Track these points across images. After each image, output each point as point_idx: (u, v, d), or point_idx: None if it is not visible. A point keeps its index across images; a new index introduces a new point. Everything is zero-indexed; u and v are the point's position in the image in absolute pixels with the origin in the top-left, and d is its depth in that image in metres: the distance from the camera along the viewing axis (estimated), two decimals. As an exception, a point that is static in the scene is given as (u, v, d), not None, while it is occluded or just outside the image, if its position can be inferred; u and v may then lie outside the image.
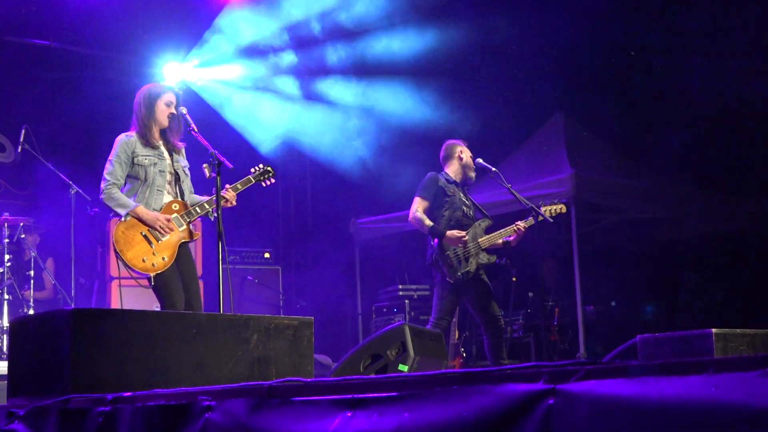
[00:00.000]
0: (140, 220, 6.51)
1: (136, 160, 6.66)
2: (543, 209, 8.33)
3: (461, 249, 8.04)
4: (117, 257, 6.48)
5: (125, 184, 6.69)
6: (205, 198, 6.84)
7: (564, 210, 8.48)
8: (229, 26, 12.40)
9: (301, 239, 14.30)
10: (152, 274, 6.46)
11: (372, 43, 12.50)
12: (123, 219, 6.51)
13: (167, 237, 6.57)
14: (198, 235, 6.87)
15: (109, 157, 6.69)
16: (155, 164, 6.72)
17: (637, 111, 12.99)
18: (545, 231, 11.00)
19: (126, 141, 6.71)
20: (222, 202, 6.76)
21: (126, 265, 6.46)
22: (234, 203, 6.88)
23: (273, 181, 7.22)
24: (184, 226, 6.69)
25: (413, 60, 12.22)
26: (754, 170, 12.32)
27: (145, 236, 6.50)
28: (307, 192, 14.63)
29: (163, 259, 6.51)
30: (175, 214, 6.68)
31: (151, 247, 6.50)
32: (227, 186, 6.90)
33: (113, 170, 6.62)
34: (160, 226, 6.52)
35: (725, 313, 12.10)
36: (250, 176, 7.04)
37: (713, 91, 12.04)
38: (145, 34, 12.29)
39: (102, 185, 6.60)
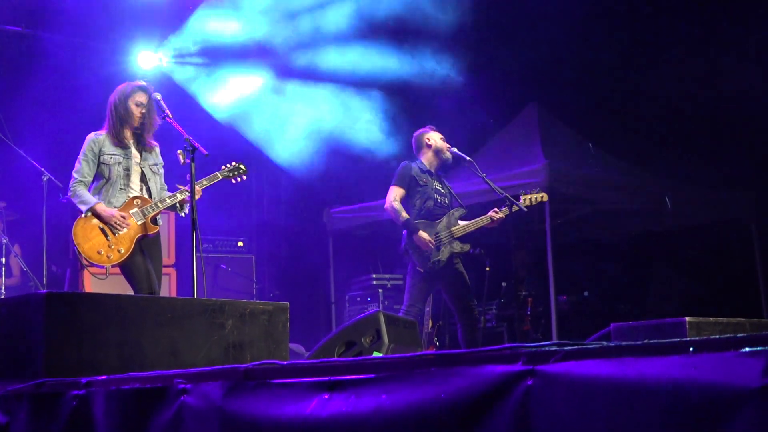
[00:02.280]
0: (98, 216, 6.82)
1: (102, 158, 6.98)
2: (523, 198, 8.32)
3: (433, 240, 8.03)
4: (75, 250, 6.82)
5: (93, 180, 7.02)
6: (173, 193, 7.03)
7: (545, 198, 8.47)
8: (203, 17, 12.34)
9: (275, 228, 14.26)
10: (108, 266, 6.87)
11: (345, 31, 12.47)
12: (83, 215, 6.81)
13: (124, 230, 6.83)
14: (155, 229, 7.05)
15: (78, 156, 7.01)
16: (119, 163, 7.00)
17: (611, 103, 13.04)
18: (519, 221, 11.02)
19: (94, 140, 7.02)
20: (185, 196, 7.01)
21: (83, 258, 6.80)
22: (198, 196, 6.97)
23: (244, 178, 7.36)
24: (143, 220, 6.91)
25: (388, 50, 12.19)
26: (726, 163, 12.39)
27: (102, 230, 6.81)
28: (280, 181, 14.58)
29: (119, 251, 6.80)
30: (135, 209, 6.93)
31: (108, 240, 6.78)
32: (222, 167, 7.26)
33: (80, 168, 6.96)
34: (115, 223, 6.79)
35: (697, 304, 12.16)
36: (218, 172, 7.21)
37: (686, 84, 12.09)
38: (119, 21, 12.20)
39: (70, 183, 6.96)
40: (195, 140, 6.56)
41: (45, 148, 10.62)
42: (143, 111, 7.02)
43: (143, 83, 7.22)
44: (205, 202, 7.22)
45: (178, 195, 7.00)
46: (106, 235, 6.78)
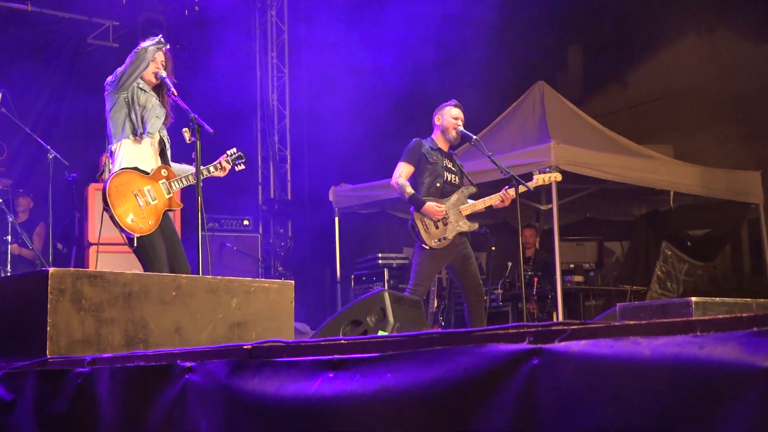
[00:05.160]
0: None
1: (139, 85, 6.63)
2: (536, 177, 8.29)
3: (443, 208, 8.01)
4: (105, 209, 6.37)
5: (122, 128, 6.57)
6: (186, 166, 6.86)
7: (559, 178, 8.44)
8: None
9: (280, 206, 14.26)
10: (136, 235, 6.38)
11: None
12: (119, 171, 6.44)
13: (156, 201, 6.50)
14: (181, 205, 6.77)
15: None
16: (155, 97, 6.72)
17: (617, 82, 13.01)
18: (526, 200, 11.00)
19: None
20: (217, 172, 6.90)
21: (113, 220, 6.36)
22: (226, 173, 6.96)
23: (244, 167, 7.20)
24: (171, 194, 6.63)
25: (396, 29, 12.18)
26: (735, 142, 12.37)
27: (136, 195, 6.42)
28: (285, 159, 14.58)
29: (149, 222, 6.44)
30: (163, 180, 6.63)
31: (141, 207, 6.42)
32: (223, 157, 7.01)
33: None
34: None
35: (703, 284, 12.17)
36: (228, 158, 7.03)
37: (692, 62, 12.06)
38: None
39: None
40: (200, 118, 6.46)
41: (50, 126, 10.62)
42: (158, 67, 6.70)
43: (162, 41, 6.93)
44: (211, 181, 7.17)
45: (205, 172, 6.78)
46: (139, 203, 6.40)
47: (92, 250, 10.14)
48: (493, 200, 8.13)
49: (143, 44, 6.52)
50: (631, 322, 2.19)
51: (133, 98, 6.54)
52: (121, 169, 6.46)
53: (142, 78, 6.67)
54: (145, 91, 6.62)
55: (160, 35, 6.70)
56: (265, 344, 3.04)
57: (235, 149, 7.15)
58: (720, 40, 13.44)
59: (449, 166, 8.24)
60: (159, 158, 6.74)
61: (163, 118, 6.73)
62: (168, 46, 6.76)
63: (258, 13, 14.77)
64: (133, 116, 6.53)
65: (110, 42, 12.52)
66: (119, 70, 6.51)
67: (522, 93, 12.22)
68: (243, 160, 7.17)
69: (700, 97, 13.44)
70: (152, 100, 6.63)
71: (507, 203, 8.11)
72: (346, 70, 13.02)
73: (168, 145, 6.85)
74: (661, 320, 2.14)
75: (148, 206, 6.46)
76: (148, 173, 6.56)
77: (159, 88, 6.78)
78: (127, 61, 6.48)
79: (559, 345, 2.26)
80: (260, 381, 2.90)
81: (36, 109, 10.91)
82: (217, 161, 6.95)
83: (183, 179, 6.68)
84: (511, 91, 12.59)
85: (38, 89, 11.25)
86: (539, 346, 2.29)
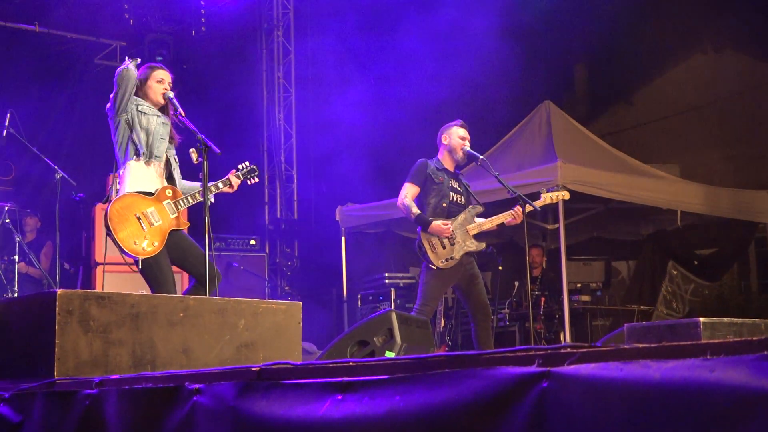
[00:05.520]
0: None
1: (140, 108, 6.59)
2: (544, 195, 8.28)
3: (447, 237, 8.00)
4: (108, 235, 6.37)
5: (125, 154, 6.57)
6: (197, 184, 6.81)
7: (567, 197, 8.43)
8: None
9: (287, 226, 14.27)
10: (140, 258, 6.36)
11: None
12: (125, 193, 6.42)
13: (160, 222, 6.47)
14: (187, 224, 6.73)
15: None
16: (158, 116, 6.67)
17: (623, 101, 13.02)
18: (532, 220, 11.00)
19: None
20: (225, 187, 6.84)
21: (117, 245, 6.34)
22: (235, 189, 6.94)
23: (257, 180, 7.17)
24: (176, 214, 6.59)
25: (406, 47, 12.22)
26: (742, 161, 12.36)
27: (138, 218, 6.39)
28: (292, 179, 14.60)
29: (154, 244, 6.40)
30: (168, 200, 6.59)
31: (144, 230, 6.39)
32: (233, 172, 6.95)
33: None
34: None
35: (711, 303, 12.14)
36: (239, 172, 7.01)
37: (701, 81, 12.06)
38: (132, 20, 12.23)
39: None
40: (207, 138, 6.44)
41: (57, 147, 10.64)
42: (166, 88, 6.68)
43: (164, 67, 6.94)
44: (218, 201, 7.14)
45: (213, 189, 6.71)
46: (142, 225, 6.36)
47: (99, 269, 10.16)
48: (503, 218, 8.11)
49: (121, 66, 6.53)
50: (640, 345, 2.19)
51: (133, 120, 6.54)
52: (124, 193, 6.45)
53: (147, 99, 6.68)
54: (145, 113, 6.60)
55: (138, 58, 6.70)
56: (273, 366, 3.04)
57: (247, 163, 7.10)
58: (726, 60, 13.46)
59: (455, 186, 8.23)
60: (165, 179, 6.73)
61: (167, 139, 6.72)
62: (139, 60, 6.75)
63: (264, 32, 14.82)
64: (135, 138, 6.53)
65: (117, 62, 12.55)
66: (111, 95, 6.54)
67: (528, 112, 12.24)
68: (256, 173, 7.12)
69: (706, 117, 13.45)
70: (154, 123, 6.62)
71: (519, 220, 8.08)
72: (353, 88, 13.03)
73: (176, 165, 6.84)
74: (671, 343, 2.14)
75: (151, 228, 6.43)
76: (152, 194, 6.54)
77: (166, 108, 6.79)
78: (115, 85, 6.50)
79: (568, 368, 2.25)
80: (268, 403, 2.90)
81: (43, 129, 10.93)
82: (226, 177, 6.93)
83: (189, 197, 6.65)
84: (518, 110, 12.61)
85: (46, 109, 11.28)
86: (548, 369, 2.28)
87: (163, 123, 6.68)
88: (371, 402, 2.61)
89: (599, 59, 14.26)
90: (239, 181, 6.99)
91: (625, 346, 2.23)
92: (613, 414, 2.10)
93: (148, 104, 6.66)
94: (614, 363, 2.16)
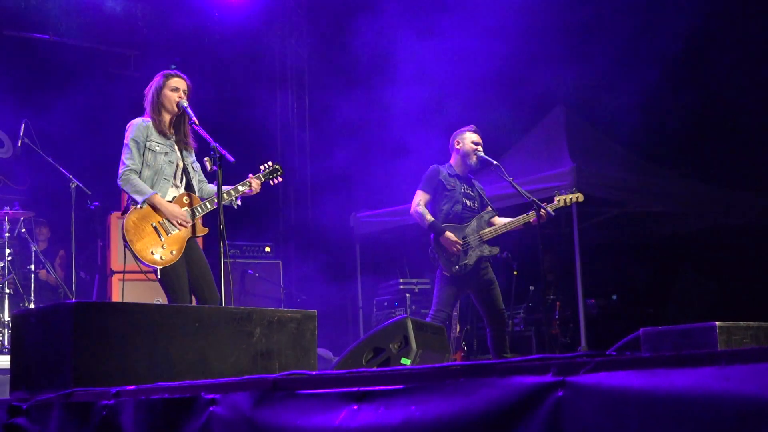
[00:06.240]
0: (156, 209, 6.43)
1: (148, 144, 6.57)
2: (558, 198, 8.26)
3: (461, 242, 8.00)
4: (126, 247, 6.37)
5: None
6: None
7: (581, 199, 8.38)
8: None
9: (302, 233, 14.28)
10: (159, 267, 6.37)
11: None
12: (139, 207, 6.42)
13: (177, 231, 6.50)
14: (206, 230, 6.77)
15: (126, 141, 6.58)
16: (166, 153, 6.65)
17: (638, 105, 12.97)
18: (547, 224, 10.99)
19: (142, 125, 6.64)
20: (245, 189, 6.85)
21: (134, 256, 6.36)
22: (257, 191, 6.95)
23: (281, 179, 7.16)
24: (192, 221, 6.63)
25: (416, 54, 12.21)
26: (754, 164, 12.30)
27: (155, 228, 6.41)
28: (307, 185, 14.61)
29: (171, 252, 6.43)
30: (186, 208, 6.62)
31: (161, 239, 6.41)
32: (251, 175, 6.97)
33: (131, 155, 6.53)
34: (179, 222, 6.46)
35: (726, 307, 12.09)
36: (260, 174, 7.02)
37: (716, 85, 12.02)
38: (145, 28, 12.27)
39: (120, 169, 6.49)
40: (221, 147, 6.45)
41: (72, 155, 10.67)
42: (181, 96, 6.71)
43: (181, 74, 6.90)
44: (232, 209, 7.15)
45: (233, 192, 6.76)
46: (159, 234, 6.38)
47: (115, 278, 10.19)
48: (516, 223, 8.09)
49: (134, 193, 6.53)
50: (656, 354, 2.18)
51: (144, 153, 6.59)
52: (143, 203, 6.46)
53: (164, 108, 6.71)
54: (154, 151, 6.61)
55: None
56: (289, 376, 3.04)
57: (270, 162, 7.09)
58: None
59: (468, 191, 8.23)
60: (182, 183, 6.75)
61: (175, 163, 6.72)
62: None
63: (278, 38, 14.82)
64: (143, 167, 6.57)
65: (131, 71, 12.60)
66: (121, 169, 6.56)
67: (542, 116, 12.23)
68: (280, 173, 7.10)
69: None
70: (160, 161, 6.63)
71: (544, 219, 8.02)
72: (367, 93, 13.03)
73: (195, 173, 6.85)
74: (686, 352, 2.13)
75: (168, 237, 6.45)
76: (170, 202, 6.58)
77: (180, 118, 6.80)
78: (124, 187, 6.54)
79: (583, 377, 2.25)
80: (285, 413, 2.90)
81: (58, 138, 10.96)
82: (246, 179, 6.93)
83: (207, 203, 6.68)
84: (532, 113, 12.59)
85: (60, 119, 11.32)
86: (564, 378, 2.28)
87: (170, 162, 6.68)
88: (387, 412, 2.61)
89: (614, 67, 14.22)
90: (260, 183, 6.99)
91: (641, 355, 2.23)
92: (628, 424, 2.09)
93: (159, 139, 6.66)
94: (630, 372, 2.16)
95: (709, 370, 2.02)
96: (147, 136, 6.60)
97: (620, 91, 12.37)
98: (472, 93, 12.30)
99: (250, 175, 6.96)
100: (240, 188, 6.84)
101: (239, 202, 6.81)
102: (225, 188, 6.78)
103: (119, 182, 6.50)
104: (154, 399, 3.40)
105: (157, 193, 6.47)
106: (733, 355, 2.02)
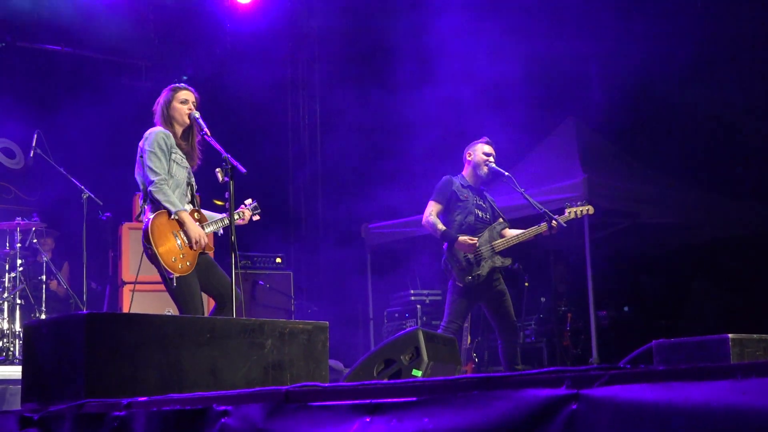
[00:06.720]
0: (183, 226, 6.42)
1: (173, 156, 6.55)
2: (568, 210, 8.25)
3: (472, 253, 7.99)
4: (145, 249, 6.35)
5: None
6: (216, 215, 6.85)
7: (591, 211, 8.37)
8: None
9: (313, 244, 14.28)
10: (176, 275, 6.36)
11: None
12: (167, 216, 6.40)
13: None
14: (212, 248, 6.78)
15: (148, 148, 6.49)
16: (185, 167, 6.68)
17: (649, 116, 12.95)
18: (558, 235, 10.98)
19: (166, 134, 6.59)
20: (238, 219, 6.83)
21: (154, 259, 6.33)
22: (246, 222, 6.99)
23: (259, 217, 7.18)
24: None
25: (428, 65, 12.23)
26: (767, 175, 12.26)
27: (175, 236, 6.41)
28: (318, 196, 14.61)
29: (187, 263, 6.43)
30: (197, 223, 6.62)
31: (179, 249, 6.40)
32: (244, 205, 7.02)
33: (160, 164, 6.46)
34: (196, 242, 6.43)
35: (738, 318, 12.03)
36: (249, 207, 7.09)
37: (728, 96, 11.99)
38: (158, 39, 12.30)
39: (154, 178, 6.40)
40: (233, 158, 6.43)
41: (83, 166, 10.69)
42: (191, 108, 6.69)
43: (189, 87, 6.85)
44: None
45: (227, 221, 6.69)
46: (178, 243, 6.37)
47: (126, 289, 10.19)
48: (529, 234, 8.09)
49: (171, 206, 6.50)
50: (670, 367, 2.17)
51: (169, 168, 6.56)
52: (161, 210, 6.44)
53: (174, 120, 6.71)
54: (178, 164, 6.59)
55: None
56: (301, 388, 3.03)
57: (251, 200, 7.15)
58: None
59: (480, 202, 8.24)
60: (191, 203, 6.77)
61: (188, 178, 6.75)
62: None
63: (289, 46, 14.83)
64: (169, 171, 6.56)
65: (143, 82, 12.63)
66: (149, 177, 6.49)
67: (553, 127, 12.22)
68: (258, 210, 7.17)
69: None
70: (181, 175, 6.62)
71: (555, 231, 8.03)
72: (380, 105, 13.03)
73: (192, 192, 6.85)
74: (701, 365, 2.12)
75: (185, 247, 6.44)
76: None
77: (188, 131, 6.80)
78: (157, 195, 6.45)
79: (597, 390, 2.24)
80: (297, 425, 2.89)
81: (70, 149, 10.98)
82: (239, 209, 6.95)
83: (213, 224, 6.71)
84: (543, 125, 12.58)
85: (72, 129, 11.35)
86: (577, 391, 2.27)
87: (186, 176, 6.69)
88: (399, 424, 2.60)
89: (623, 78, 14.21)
90: (250, 214, 7.04)
91: (656, 368, 2.22)
92: (643, 437, 2.08)
93: (178, 152, 6.66)
94: (644, 385, 2.15)
95: (726, 383, 2.01)
96: (170, 147, 6.56)
97: (631, 101, 12.36)
98: (484, 101, 12.28)
99: (242, 206, 7.01)
100: (235, 217, 6.78)
101: (221, 231, 6.83)
102: (220, 216, 6.86)
103: (151, 188, 6.39)
104: (166, 410, 3.39)
105: (185, 210, 6.48)
106: (749, 368, 2.01)
